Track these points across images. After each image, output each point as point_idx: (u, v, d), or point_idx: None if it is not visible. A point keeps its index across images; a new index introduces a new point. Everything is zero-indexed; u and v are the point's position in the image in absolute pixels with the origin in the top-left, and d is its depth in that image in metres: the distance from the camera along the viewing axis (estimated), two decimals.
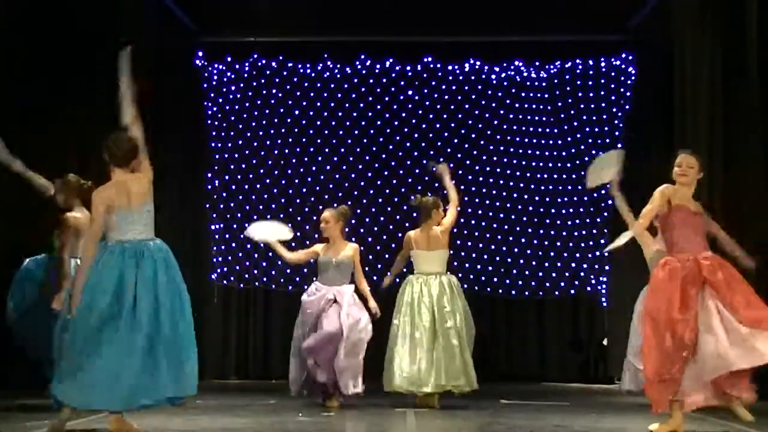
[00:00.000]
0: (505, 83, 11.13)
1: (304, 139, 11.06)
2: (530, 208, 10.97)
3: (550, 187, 10.99)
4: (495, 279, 10.90)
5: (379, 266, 10.80)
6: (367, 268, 10.67)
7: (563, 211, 10.93)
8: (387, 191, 11.01)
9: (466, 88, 11.12)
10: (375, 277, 10.73)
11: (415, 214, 10.80)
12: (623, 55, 10.93)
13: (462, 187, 10.96)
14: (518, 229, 10.95)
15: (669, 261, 5.51)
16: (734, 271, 5.49)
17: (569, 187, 10.92)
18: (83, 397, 4.97)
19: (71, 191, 6.82)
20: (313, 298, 7.37)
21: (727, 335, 5.23)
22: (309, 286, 7.58)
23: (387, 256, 10.79)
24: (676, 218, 5.53)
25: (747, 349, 5.19)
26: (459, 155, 11.04)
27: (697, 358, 5.26)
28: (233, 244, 10.90)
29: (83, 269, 5.07)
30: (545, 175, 10.99)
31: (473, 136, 11.08)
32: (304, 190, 10.95)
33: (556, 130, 11.03)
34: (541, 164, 11.01)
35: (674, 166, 5.65)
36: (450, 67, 11.13)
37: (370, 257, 10.84)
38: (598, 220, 10.77)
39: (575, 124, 10.97)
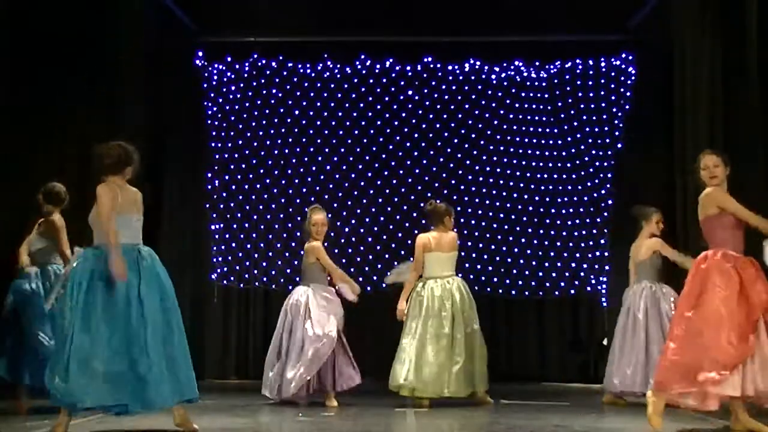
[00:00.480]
0: (505, 83, 11.13)
1: (304, 139, 11.06)
2: (530, 208, 10.98)
3: (550, 187, 10.99)
4: (495, 279, 10.90)
5: (379, 266, 10.81)
6: (367, 268, 10.77)
7: (563, 211, 10.93)
8: (387, 191, 11.01)
9: (466, 88, 11.12)
10: (375, 277, 10.76)
11: (415, 214, 10.94)
12: (623, 55, 10.92)
13: (462, 187, 11.02)
14: (518, 229, 10.95)
15: (728, 256, 5.53)
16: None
17: (569, 187, 10.93)
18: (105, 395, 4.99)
19: (58, 200, 6.91)
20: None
21: None
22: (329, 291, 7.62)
23: (387, 256, 10.81)
24: (729, 219, 5.59)
25: None
26: (459, 155, 11.05)
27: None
28: (233, 244, 10.90)
29: (119, 256, 5.06)
30: (545, 175, 10.99)
31: (473, 136, 11.08)
32: (304, 190, 10.95)
33: (556, 130, 11.04)
34: (541, 164, 11.01)
35: (701, 170, 5.69)
36: (450, 67, 11.13)
37: (370, 257, 10.87)
38: (598, 220, 10.76)
39: (575, 124, 10.97)
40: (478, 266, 10.85)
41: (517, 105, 11.12)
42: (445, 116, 11.10)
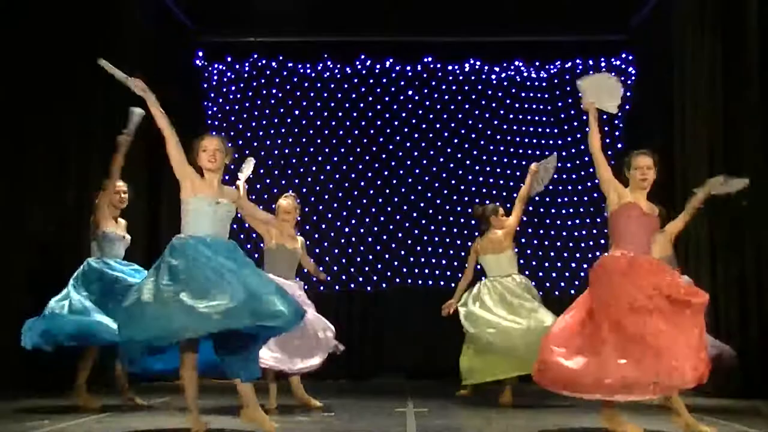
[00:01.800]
0: (505, 83, 11.14)
1: (304, 139, 11.06)
2: (530, 209, 10.95)
3: (551, 187, 10.96)
4: None
5: (379, 266, 10.81)
6: (366, 268, 10.76)
7: (563, 211, 10.93)
8: (387, 191, 11.00)
9: (466, 88, 11.13)
10: (375, 277, 10.77)
11: (415, 214, 10.93)
12: (623, 55, 10.93)
13: (462, 187, 11.01)
14: (518, 229, 10.92)
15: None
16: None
17: (569, 187, 10.93)
18: None
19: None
20: None
21: None
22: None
23: (387, 256, 10.81)
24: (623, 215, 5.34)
25: None
26: (459, 155, 11.05)
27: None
28: None
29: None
30: None
31: (473, 136, 11.09)
32: (305, 190, 10.93)
33: (556, 130, 11.04)
34: None
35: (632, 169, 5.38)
36: (450, 67, 11.13)
37: (370, 257, 10.86)
38: (598, 220, 10.76)
39: (575, 124, 10.96)
40: (478, 266, 10.81)
41: (517, 105, 11.13)
42: (445, 116, 11.10)
